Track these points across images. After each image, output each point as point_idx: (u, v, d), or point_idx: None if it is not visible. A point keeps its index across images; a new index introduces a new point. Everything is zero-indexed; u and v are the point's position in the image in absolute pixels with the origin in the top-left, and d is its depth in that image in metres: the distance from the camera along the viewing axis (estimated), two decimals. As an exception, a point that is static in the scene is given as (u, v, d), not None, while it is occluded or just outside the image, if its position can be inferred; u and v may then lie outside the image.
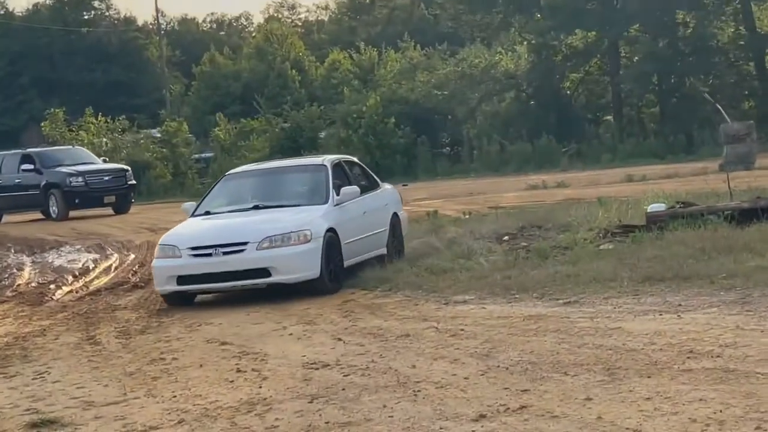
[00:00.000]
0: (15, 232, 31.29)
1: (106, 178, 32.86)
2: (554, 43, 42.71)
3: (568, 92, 42.90)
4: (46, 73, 70.20)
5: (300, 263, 13.30)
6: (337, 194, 14.80)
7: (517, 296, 13.13)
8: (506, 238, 18.79)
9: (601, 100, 43.59)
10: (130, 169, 35.41)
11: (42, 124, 50.38)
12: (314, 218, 14.03)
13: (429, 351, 10.44)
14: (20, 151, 35.32)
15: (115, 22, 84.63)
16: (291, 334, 12.40)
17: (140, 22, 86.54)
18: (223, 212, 15.37)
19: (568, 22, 42.59)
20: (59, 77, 69.54)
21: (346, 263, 14.93)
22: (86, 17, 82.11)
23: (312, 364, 10.51)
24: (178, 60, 73.37)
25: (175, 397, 9.88)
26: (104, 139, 41.66)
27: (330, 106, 46.42)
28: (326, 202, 14.52)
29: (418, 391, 8.93)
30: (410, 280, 15.31)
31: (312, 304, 14.44)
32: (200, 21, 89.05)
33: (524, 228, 19.54)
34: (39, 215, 34.75)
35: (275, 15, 74.77)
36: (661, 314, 10.91)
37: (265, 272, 13.35)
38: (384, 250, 16.24)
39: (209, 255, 13.35)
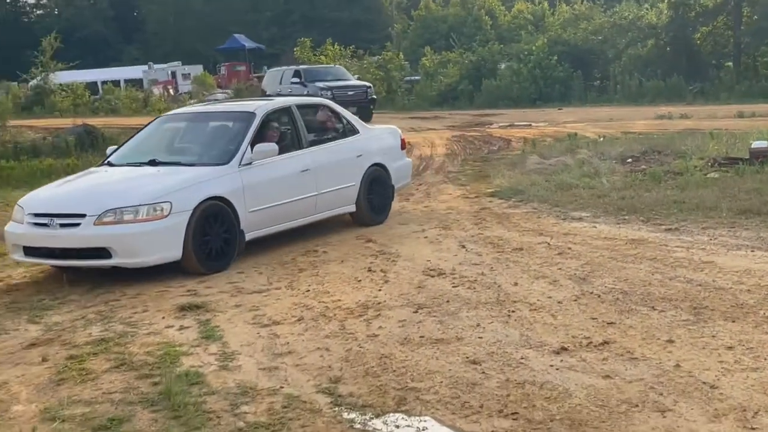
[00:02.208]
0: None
1: (350, 92, 30.45)
2: (690, 2, 39.87)
3: (698, 42, 40.12)
4: (308, 12, 69.38)
5: (148, 244, 8.52)
6: (252, 153, 9.71)
7: (626, 217, 10.95)
8: (630, 160, 16.51)
9: (724, 49, 40.78)
10: (372, 85, 33.19)
11: (294, 49, 49.33)
12: (188, 185, 9.02)
13: (534, 268, 8.50)
14: (294, 67, 34.93)
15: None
16: (426, 237, 10.58)
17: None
18: (122, 165, 10.17)
19: None
20: (318, 15, 68.57)
21: (264, 231, 9.83)
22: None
23: (431, 270, 8.72)
24: (405, 5, 71.41)
25: (308, 291, 8.30)
26: (337, 64, 39.79)
27: (509, 45, 44.28)
28: (227, 162, 9.46)
29: (513, 311, 7.08)
30: (540, 193, 13.26)
31: (453, 209, 12.65)
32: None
33: (646, 152, 17.14)
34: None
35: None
36: (753, 251, 8.64)
37: (104, 252, 8.52)
38: (352, 207, 10.98)
39: (46, 225, 8.75)
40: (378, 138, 11.81)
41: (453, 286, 7.98)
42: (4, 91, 44.82)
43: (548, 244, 9.58)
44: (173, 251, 8.77)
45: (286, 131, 10.60)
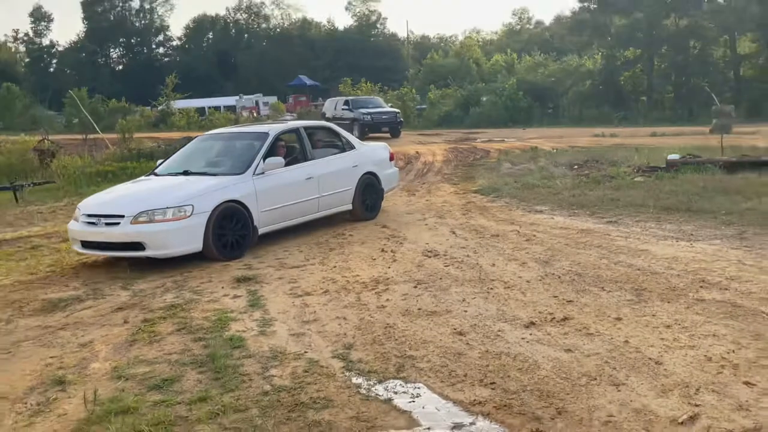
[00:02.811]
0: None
1: (384, 116, 28.76)
2: (617, 54, 38.58)
3: (622, 82, 38.87)
4: (350, 60, 67.72)
5: (174, 239, 7.54)
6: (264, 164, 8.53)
7: (576, 211, 9.86)
8: (575, 166, 15.43)
9: (640, 88, 39.60)
10: (400, 111, 31.38)
11: (339, 85, 48.31)
12: (208, 192, 7.91)
13: (508, 252, 7.50)
14: (344, 97, 32.57)
15: (387, 34, 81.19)
16: (426, 225, 9.59)
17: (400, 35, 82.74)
18: (164, 175, 9.00)
19: (625, 43, 38.73)
20: (357, 62, 66.68)
21: (275, 227, 8.60)
22: (374, 33, 78.70)
23: (429, 252, 7.75)
24: (416, 56, 70.00)
25: (335, 267, 7.36)
26: (374, 96, 38.69)
27: (489, 84, 43.06)
28: (243, 172, 8.36)
29: (491, 288, 6.13)
30: (511, 191, 12.24)
31: (447, 202, 11.67)
32: (431, 35, 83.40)
33: (588, 161, 16.01)
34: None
35: (468, 35, 71.06)
36: (677, 240, 7.51)
37: (139, 246, 7.61)
38: (349, 206, 9.72)
39: (95, 224, 7.83)
40: (370, 152, 10.50)
41: (445, 266, 7.01)
42: (139, 114, 44.34)
43: (518, 231, 8.58)
44: (195, 244, 7.73)
45: (295, 147, 9.50)
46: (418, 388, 4.17)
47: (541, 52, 49.63)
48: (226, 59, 74.73)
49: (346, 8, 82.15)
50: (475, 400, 3.94)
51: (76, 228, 8.11)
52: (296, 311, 5.88)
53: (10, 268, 8.27)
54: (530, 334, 4.87)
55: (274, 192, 8.56)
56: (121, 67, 78.43)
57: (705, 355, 4.29)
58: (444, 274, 6.70)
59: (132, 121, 28.44)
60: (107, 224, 7.77)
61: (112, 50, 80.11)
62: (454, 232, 8.81)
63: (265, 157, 8.67)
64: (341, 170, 9.66)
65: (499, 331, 5.00)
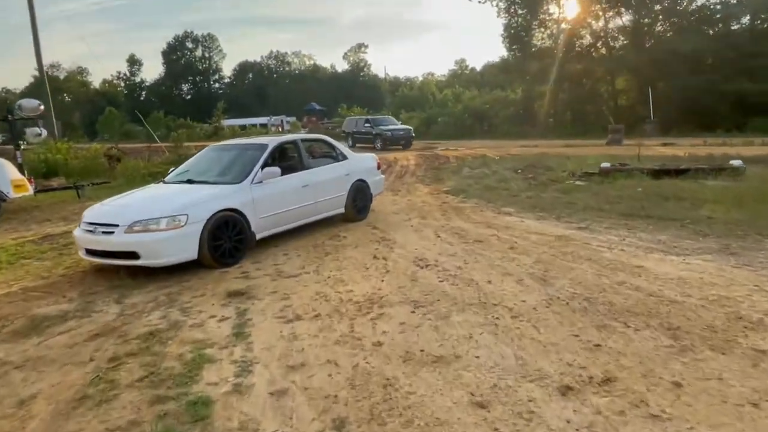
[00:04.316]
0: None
1: (401, 132, 24.48)
2: (534, 89, 36.17)
3: (537, 108, 36.33)
4: (346, 93, 63.90)
5: (168, 248, 5.14)
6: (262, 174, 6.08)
7: (541, 215, 7.37)
8: (519, 171, 12.97)
9: (550, 110, 36.76)
10: (412, 129, 25.96)
11: (339, 109, 45.19)
12: (204, 201, 5.47)
13: (497, 263, 5.03)
14: (364, 117, 27.97)
15: (371, 75, 77.42)
16: (412, 226, 7.07)
17: (380, 75, 78.79)
18: (171, 182, 6.39)
19: (539, 81, 36.18)
20: (350, 94, 62.74)
21: (273, 231, 6.07)
22: (362, 74, 75.15)
23: (419, 260, 5.27)
24: (392, 90, 66.58)
25: (329, 278, 4.86)
26: (387, 115, 35.54)
27: (443, 109, 40.43)
28: (241, 181, 5.94)
29: (497, 318, 3.68)
30: (476, 192, 9.78)
31: (426, 203, 9.16)
32: (401, 76, 79.66)
33: (528, 166, 13.52)
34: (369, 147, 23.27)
35: (426, 77, 67.94)
36: (666, 254, 4.86)
37: (134, 255, 5.17)
38: (342, 210, 7.23)
39: (92, 232, 5.43)
40: (361, 161, 7.94)
41: (439, 281, 4.54)
42: (199, 128, 41.54)
43: (497, 236, 6.12)
44: (189, 253, 5.18)
45: (292, 158, 6.92)
46: None
47: (476, 88, 47.03)
48: (261, 91, 71.96)
49: (344, 57, 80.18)
50: None
51: (79, 234, 5.53)
52: (283, 347, 3.41)
53: (28, 271, 5.68)
54: (574, 412, 2.46)
55: (271, 199, 6.03)
56: (189, 96, 75.39)
57: None
58: (440, 293, 4.23)
59: (182, 134, 25.47)
60: (103, 233, 5.21)
61: (183, 85, 77.01)
62: (438, 236, 6.33)
63: (263, 167, 6.11)
64: (335, 178, 7.18)
65: (530, 401, 2.58)
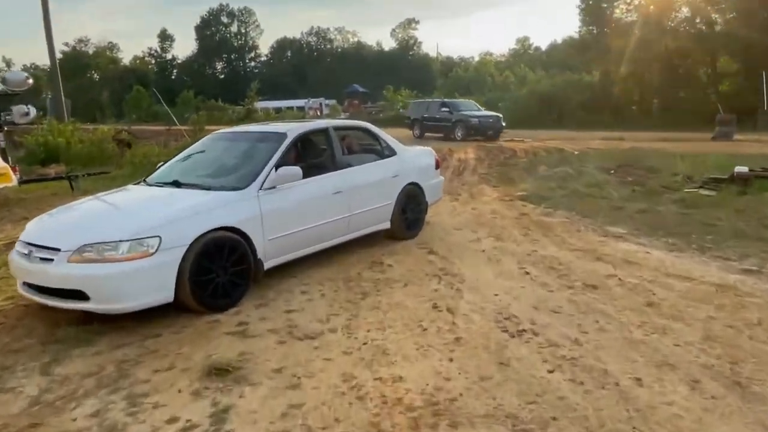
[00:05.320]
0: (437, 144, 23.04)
1: (490, 120, 21.21)
2: (614, 70, 33.74)
3: (618, 94, 34.03)
4: (393, 73, 62.46)
5: (129, 287, 3.49)
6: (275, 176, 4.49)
7: (671, 242, 5.56)
8: (612, 171, 11.08)
9: (634, 98, 34.17)
10: (501, 116, 22.37)
11: (384, 92, 43.96)
12: (187, 216, 3.87)
13: (638, 335, 3.38)
14: (440, 99, 24.58)
15: (421, 54, 75.77)
16: (483, 251, 5.47)
17: (431, 54, 76.99)
18: (153, 184, 4.84)
19: (621, 62, 33.72)
20: (398, 75, 60.71)
21: (288, 257, 4.56)
22: (412, 53, 74.00)
23: (505, 320, 3.71)
24: (444, 71, 65.04)
25: (365, 346, 3.41)
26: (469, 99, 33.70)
27: (503, 93, 38.76)
28: (245, 187, 4.31)
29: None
30: (563, 201, 8.04)
31: (497, 213, 7.52)
32: (454, 56, 77.26)
33: (621, 166, 11.59)
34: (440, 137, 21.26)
35: (483, 56, 66.28)
36: None
37: (81, 294, 3.51)
38: (387, 224, 5.61)
39: (27, 256, 3.81)
40: (414, 159, 6.18)
41: (548, 370, 2.99)
42: (231, 110, 41.58)
43: (619, 279, 4.47)
44: (161, 294, 3.68)
45: (320, 152, 5.34)
46: None
47: (542, 69, 44.60)
48: (300, 71, 71.98)
49: (391, 34, 79.02)
50: None
51: (12, 258, 4.11)
52: None
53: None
54: None
55: (287, 212, 4.52)
56: (222, 76, 76.27)
57: None
58: (556, 401, 2.66)
59: (203, 116, 25.02)
60: (41, 259, 3.78)
61: (216, 63, 77.92)
62: (526, 272, 4.74)
63: (278, 166, 4.58)
64: (379, 181, 5.53)
65: None
